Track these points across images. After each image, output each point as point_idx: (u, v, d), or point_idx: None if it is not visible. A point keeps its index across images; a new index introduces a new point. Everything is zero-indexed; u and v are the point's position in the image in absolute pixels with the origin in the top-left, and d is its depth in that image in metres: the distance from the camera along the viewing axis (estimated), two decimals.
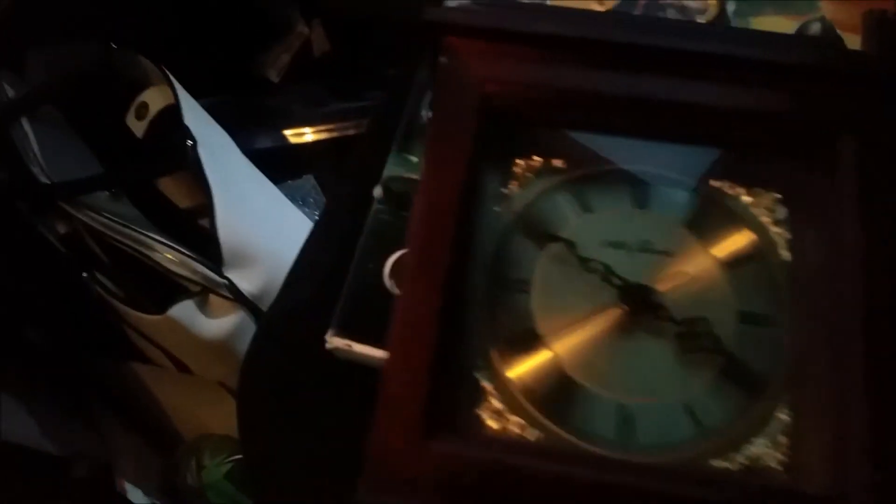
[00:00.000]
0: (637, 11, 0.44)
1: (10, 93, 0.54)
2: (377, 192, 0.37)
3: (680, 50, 0.34)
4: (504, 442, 0.31)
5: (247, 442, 0.38)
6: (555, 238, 0.34)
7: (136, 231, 0.48)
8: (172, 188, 0.59)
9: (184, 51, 0.64)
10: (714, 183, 0.35)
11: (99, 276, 0.49)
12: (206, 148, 0.53)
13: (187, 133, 0.53)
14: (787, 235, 0.35)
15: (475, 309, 0.32)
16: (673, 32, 0.35)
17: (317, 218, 0.55)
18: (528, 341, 0.33)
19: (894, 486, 0.27)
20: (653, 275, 0.33)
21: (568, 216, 0.35)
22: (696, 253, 0.34)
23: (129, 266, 0.49)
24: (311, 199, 0.69)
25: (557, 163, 0.36)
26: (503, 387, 0.32)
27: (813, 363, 0.32)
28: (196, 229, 0.58)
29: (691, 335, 0.33)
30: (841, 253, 0.32)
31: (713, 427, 0.32)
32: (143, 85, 0.57)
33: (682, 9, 0.43)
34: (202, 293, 0.48)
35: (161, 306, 0.47)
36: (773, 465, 0.31)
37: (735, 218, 0.35)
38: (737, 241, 0.35)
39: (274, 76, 0.75)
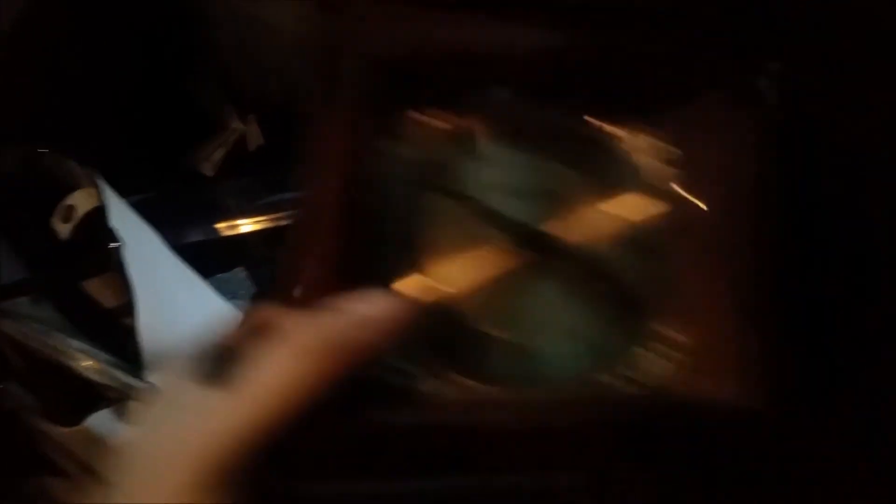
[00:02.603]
0: None
1: None
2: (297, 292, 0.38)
3: None
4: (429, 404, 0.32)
5: None
6: (451, 193, 0.36)
7: (55, 338, 0.48)
8: (98, 288, 0.59)
9: (117, 149, 0.65)
10: (600, 124, 0.38)
11: (13, 386, 0.48)
12: (131, 249, 0.54)
13: (113, 235, 0.53)
14: (672, 170, 0.38)
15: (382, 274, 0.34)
16: None
17: None
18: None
19: (772, 379, 0.31)
20: (545, 217, 0.36)
21: (463, 169, 0.37)
22: (583, 191, 0.37)
23: (46, 374, 0.48)
24: (242, 292, 0.70)
25: (448, 118, 0.37)
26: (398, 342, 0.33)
27: (694, 282, 0.35)
28: (122, 329, 0.57)
29: (583, 270, 0.35)
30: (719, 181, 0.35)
31: (610, 352, 0.34)
32: (71, 187, 0.57)
33: None
34: (121, 400, 0.48)
35: (77, 416, 0.46)
36: (666, 376, 0.34)
37: (619, 155, 0.37)
38: (622, 179, 0.38)
39: (208, 171, 0.76)
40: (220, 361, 0.30)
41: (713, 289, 0.34)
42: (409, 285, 0.34)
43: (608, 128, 0.38)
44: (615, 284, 0.35)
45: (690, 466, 0.31)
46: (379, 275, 0.34)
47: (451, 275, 0.35)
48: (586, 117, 0.38)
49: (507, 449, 0.31)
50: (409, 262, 0.35)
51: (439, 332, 0.34)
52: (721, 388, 0.33)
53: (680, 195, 0.37)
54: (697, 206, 0.36)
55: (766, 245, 0.34)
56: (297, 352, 0.28)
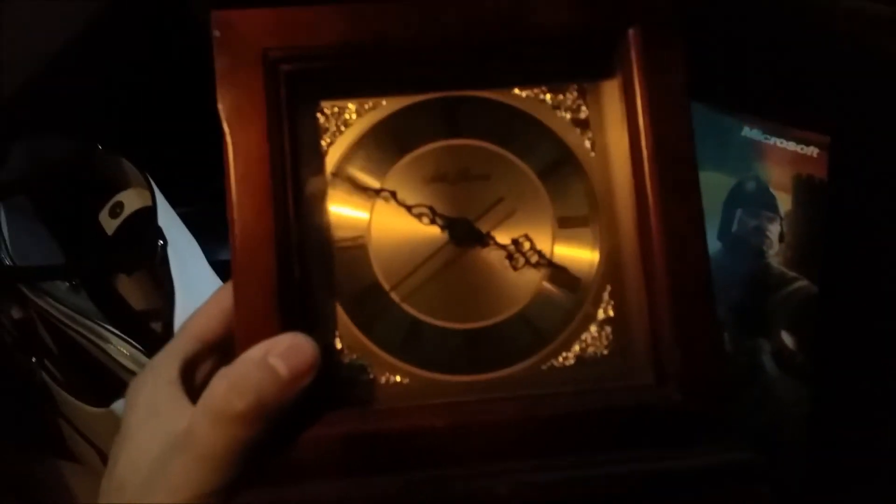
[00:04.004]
0: None
1: None
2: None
3: None
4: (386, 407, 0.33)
5: None
6: (376, 190, 0.36)
7: (92, 322, 0.47)
8: (130, 288, 0.59)
9: (170, 159, 0.67)
10: (519, 92, 0.37)
11: (46, 363, 0.47)
12: (175, 251, 0.54)
13: (159, 233, 0.54)
14: (591, 134, 0.37)
15: (316, 276, 0.34)
16: None
17: None
18: (374, 295, 0.34)
19: (698, 368, 0.32)
20: (474, 201, 0.36)
21: (384, 161, 0.36)
22: (512, 168, 0.36)
23: (78, 353, 0.48)
24: None
25: (367, 104, 0.36)
26: (357, 344, 0.34)
27: (625, 256, 0.35)
28: (148, 331, 0.57)
29: (518, 253, 0.36)
30: (635, 146, 0.34)
31: (548, 331, 0.35)
32: (122, 186, 0.58)
33: None
34: None
35: (106, 398, 0.46)
36: (601, 353, 0.35)
37: (542, 125, 0.37)
38: (547, 149, 0.37)
39: None
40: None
41: (648, 269, 0.34)
42: (352, 286, 0.34)
43: (523, 94, 0.37)
44: (553, 266, 0.36)
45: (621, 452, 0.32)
46: (319, 287, 0.34)
47: (395, 271, 0.35)
48: (498, 88, 0.36)
49: (465, 445, 0.31)
50: (358, 267, 0.35)
51: (393, 330, 0.34)
52: (645, 376, 0.33)
53: (603, 167, 0.36)
54: (624, 178, 0.35)
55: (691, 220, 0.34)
56: (217, 419, 0.28)
